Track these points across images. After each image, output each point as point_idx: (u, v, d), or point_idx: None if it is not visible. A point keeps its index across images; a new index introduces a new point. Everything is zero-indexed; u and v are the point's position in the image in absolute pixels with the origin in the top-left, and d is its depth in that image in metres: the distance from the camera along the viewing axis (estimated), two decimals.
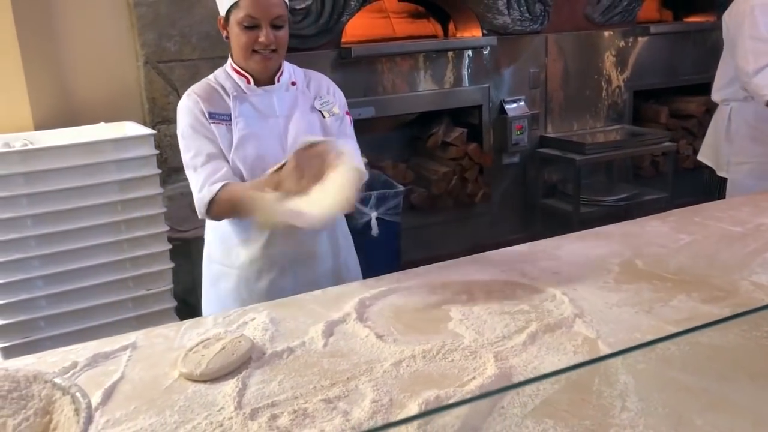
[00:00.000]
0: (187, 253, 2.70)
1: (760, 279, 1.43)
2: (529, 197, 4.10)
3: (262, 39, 1.59)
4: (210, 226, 1.77)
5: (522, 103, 3.93)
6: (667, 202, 3.95)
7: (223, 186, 1.56)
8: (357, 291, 1.47)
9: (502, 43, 3.80)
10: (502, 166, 3.98)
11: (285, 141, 1.66)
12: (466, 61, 3.77)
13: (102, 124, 2.66)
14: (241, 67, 1.67)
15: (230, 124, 1.63)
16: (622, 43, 4.22)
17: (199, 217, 1.64)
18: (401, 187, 3.24)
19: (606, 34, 4.15)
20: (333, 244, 1.75)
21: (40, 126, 2.68)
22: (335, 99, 1.77)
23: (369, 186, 3.08)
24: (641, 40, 4.27)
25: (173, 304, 2.57)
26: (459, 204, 3.83)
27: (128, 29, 2.83)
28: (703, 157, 2.75)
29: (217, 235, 1.74)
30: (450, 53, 3.73)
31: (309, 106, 1.72)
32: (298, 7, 3.19)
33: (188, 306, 2.77)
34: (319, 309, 1.40)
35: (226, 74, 1.70)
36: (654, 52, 4.33)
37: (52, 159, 2.29)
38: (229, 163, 1.61)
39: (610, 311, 1.32)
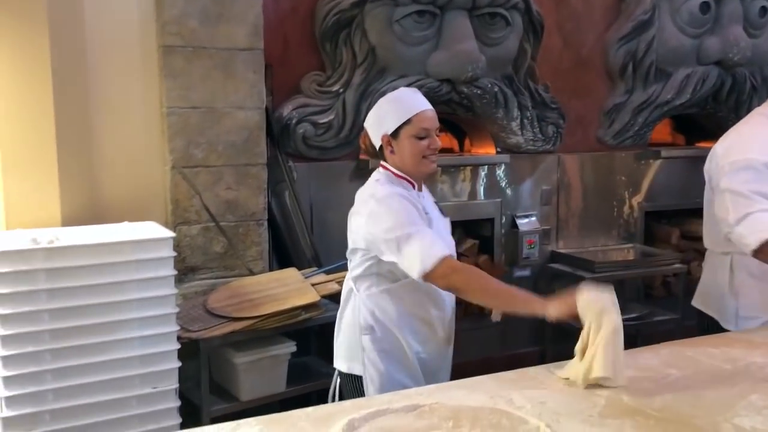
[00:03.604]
0: (194, 352, 2.76)
1: (743, 422, 1.45)
2: None
3: (433, 145, 1.98)
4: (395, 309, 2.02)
5: (534, 218, 4.03)
6: (677, 324, 3.95)
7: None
8: (348, 411, 1.51)
9: (516, 160, 3.95)
10: (513, 278, 4.04)
11: (447, 236, 2.09)
12: (481, 176, 3.91)
13: (126, 223, 2.79)
14: (407, 173, 2.01)
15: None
16: (634, 165, 4.35)
17: (419, 275, 1.85)
18: None
19: (618, 155, 4.29)
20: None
21: (67, 222, 2.82)
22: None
23: None
24: (653, 162, 4.40)
25: (177, 403, 2.60)
26: (470, 314, 3.86)
27: (159, 136, 3.02)
28: (703, 305, 2.51)
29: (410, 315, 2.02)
30: (465, 168, 3.88)
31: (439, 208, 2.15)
32: (320, 121, 3.39)
33: (191, 405, 2.81)
34: (309, 428, 1.45)
35: (391, 178, 2.02)
36: (666, 175, 4.45)
37: (75, 257, 2.40)
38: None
39: None
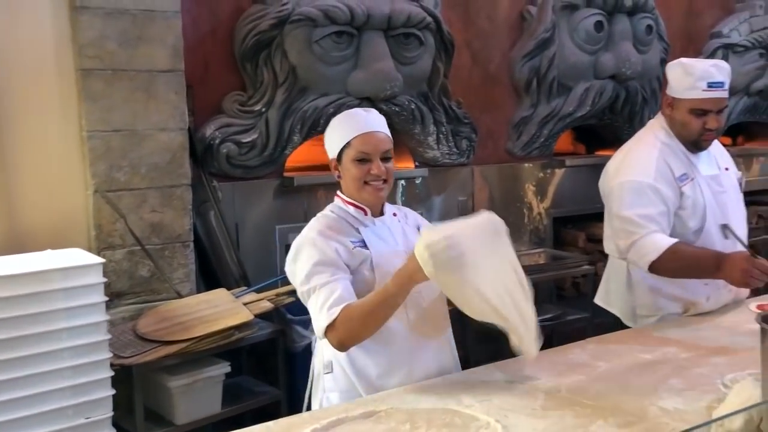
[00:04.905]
0: (125, 379, 2.72)
1: (666, 404, 1.62)
2: (463, 316, 4.27)
3: (374, 171, 1.83)
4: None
5: None
6: (588, 322, 4.19)
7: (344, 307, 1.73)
8: (308, 421, 1.57)
9: (433, 173, 4.11)
10: None
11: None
12: (400, 190, 4.04)
13: (49, 251, 2.71)
14: (354, 200, 1.89)
15: (366, 248, 1.85)
16: (541, 174, 4.61)
17: (318, 337, 1.80)
18: None
19: (526, 165, 4.53)
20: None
21: None
22: None
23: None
24: (558, 171, 4.67)
25: None
26: None
27: (80, 160, 2.96)
28: (605, 304, 2.67)
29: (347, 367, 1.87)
30: None
31: (414, 235, 1.94)
32: (244, 140, 3.41)
33: None
34: None
35: (341, 209, 1.92)
36: (570, 182, 4.73)
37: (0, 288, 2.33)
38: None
39: None
